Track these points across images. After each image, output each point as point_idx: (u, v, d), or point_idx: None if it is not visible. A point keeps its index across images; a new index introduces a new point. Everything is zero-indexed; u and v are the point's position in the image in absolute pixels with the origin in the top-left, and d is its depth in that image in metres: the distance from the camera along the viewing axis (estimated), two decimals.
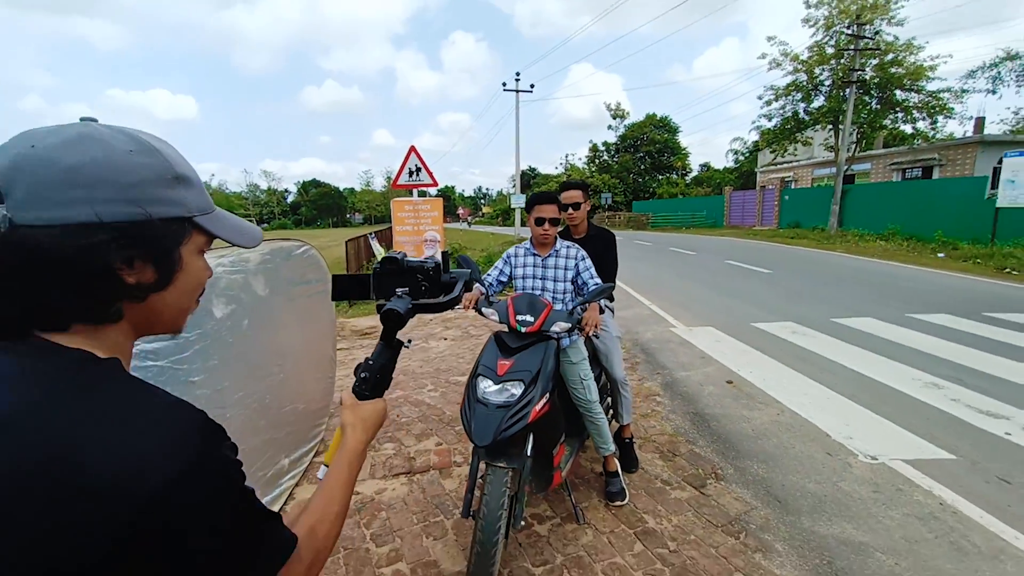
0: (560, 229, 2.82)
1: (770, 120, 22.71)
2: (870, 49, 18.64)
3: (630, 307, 7.67)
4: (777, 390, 4.13)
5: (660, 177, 45.74)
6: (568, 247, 2.63)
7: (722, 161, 47.24)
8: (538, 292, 2.57)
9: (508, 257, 2.72)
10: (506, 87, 25.33)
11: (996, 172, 12.30)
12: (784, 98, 21.70)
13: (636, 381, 4.48)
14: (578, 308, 2.36)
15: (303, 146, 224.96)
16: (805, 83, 20.85)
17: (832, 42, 19.76)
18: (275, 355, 2.79)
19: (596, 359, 2.87)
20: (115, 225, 0.53)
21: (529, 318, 2.23)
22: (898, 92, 19.19)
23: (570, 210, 2.89)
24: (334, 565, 2.24)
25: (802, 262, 12.54)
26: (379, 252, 14.35)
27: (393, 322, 0.94)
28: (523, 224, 27.99)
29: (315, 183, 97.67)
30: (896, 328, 5.83)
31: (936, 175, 19.42)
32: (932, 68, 18.11)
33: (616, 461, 2.74)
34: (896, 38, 18.87)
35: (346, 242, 11.81)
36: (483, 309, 2.34)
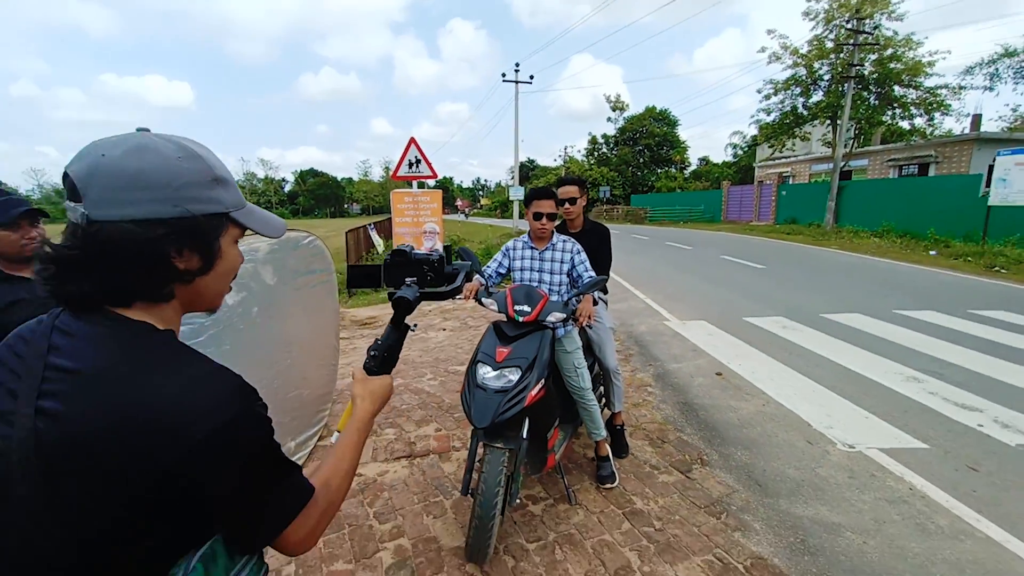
0: (557, 223, 2.94)
1: (769, 114, 22.75)
2: (869, 44, 18.66)
3: (625, 300, 7.81)
4: (764, 382, 4.28)
5: (659, 171, 45.77)
6: (564, 241, 2.76)
7: (721, 155, 47.37)
8: (535, 284, 2.70)
9: (507, 250, 2.84)
10: (505, 78, 25.26)
11: (991, 170, 12.42)
12: (783, 92, 21.74)
13: (629, 372, 4.63)
14: (573, 299, 2.49)
15: (300, 134, 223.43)
16: (804, 77, 20.87)
17: (832, 36, 19.76)
18: (282, 342, 2.91)
19: (590, 349, 3.00)
20: (168, 220, 0.66)
21: (526, 308, 2.36)
22: (896, 88, 19.23)
23: (567, 205, 3.01)
24: (339, 540, 2.38)
25: (796, 258, 12.70)
26: (378, 243, 14.43)
27: (403, 308, 1.07)
28: (521, 216, 28.06)
29: (313, 172, 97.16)
30: (883, 324, 5.99)
31: (932, 172, 19.55)
32: (931, 64, 18.15)
33: (607, 446, 2.89)
34: (895, 33, 18.90)
35: (346, 233, 11.91)
36: (483, 299, 2.47)
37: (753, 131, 26.68)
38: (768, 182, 27.44)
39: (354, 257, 11.86)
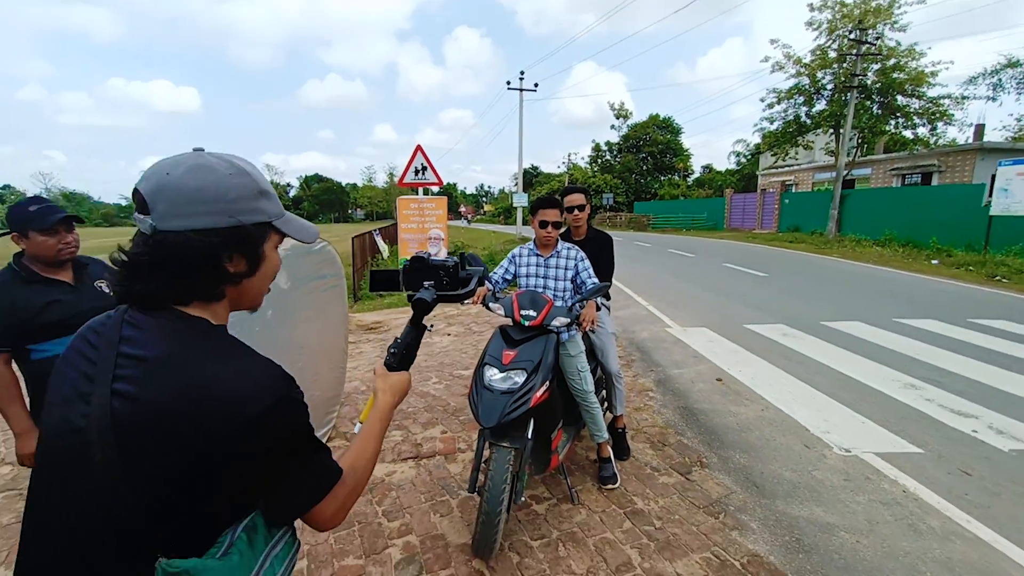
0: (562, 231, 3.04)
1: (772, 123, 22.87)
2: (872, 54, 18.80)
3: (627, 307, 7.90)
4: (764, 388, 4.36)
5: (662, 178, 45.88)
6: (568, 248, 2.86)
7: (724, 163, 47.45)
8: (540, 289, 2.80)
9: (513, 257, 2.94)
10: (510, 86, 25.52)
11: (994, 179, 12.47)
12: (786, 101, 21.87)
13: (631, 377, 4.71)
14: (577, 305, 2.59)
15: (305, 140, 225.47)
16: (807, 86, 21.01)
17: (835, 46, 19.91)
18: (294, 345, 3.02)
19: (593, 353, 3.09)
20: (223, 230, 0.76)
21: (532, 313, 2.46)
22: (899, 97, 19.33)
23: (576, 212, 3.11)
24: (349, 536, 2.47)
25: (798, 266, 12.77)
26: (383, 249, 14.58)
27: (422, 309, 1.18)
28: (524, 223, 28.18)
29: (317, 178, 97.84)
30: (883, 332, 6.05)
31: (935, 181, 19.59)
32: (933, 74, 18.25)
33: (609, 448, 2.97)
34: (898, 43, 19.03)
35: (352, 239, 12.08)
36: (490, 304, 2.57)
37: (756, 139, 26.83)
38: (771, 190, 27.53)
39: (360, 262, 12.04)
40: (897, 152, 21.79)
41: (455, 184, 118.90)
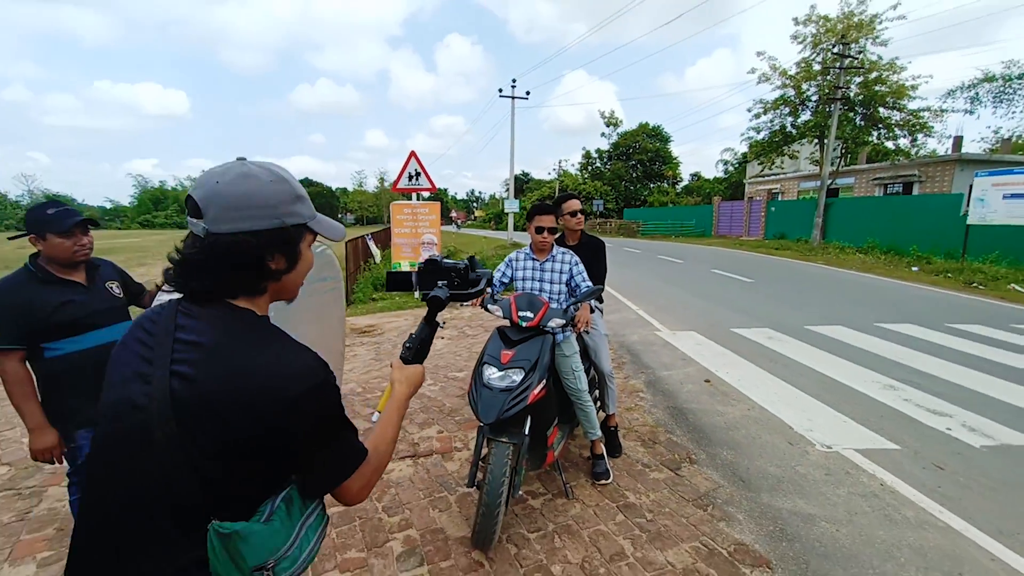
0: (557, 236, 3.16)
1: (759, 132, 23.34)
2: (855, 67, 19.32)
3: (618, 311, 8.03)
4: (750, 389, 4.51)
5: (651, 185, 46.45)
6: (563, 253, 2.97)
7: (712, 171, 48.06)
8: (536, 292, 2.91)
9: (510, 261, 3.05)
10: (502, 93, 25.72)
11: (971, 190, 12.89)
12: (772, 112, 22.34)
13: (622, 379, 4.83)
14: (572, 307, 2.70)
15: (295, 144, 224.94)
16: (793, 98, 21.50)
17: (819, 59, 20.43)
18: None
19: (586, 354, 3.20)
20: (266, 232, 0.86)
21: (529, 314, 2.57)
22: (881, 109, 19.86)
23: (579, 215, 3.22)
24: (351, 531, 2.54)
25: (783, 272, 13.04)
26: (376, 253, 14.61)
27: (435, 306, 1.28)
28: (516, 229, 28.32)
29: (307, 182, 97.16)
30: (865, 336, 6.25)
31: (916, 191, 20.14)
32: (914, 87, 18.77)
33: (602, 445, 3.08)
34: (880, 57, 19.58)
35: (346, 243, 12.12)
36: (489, 306, 2.68)
37: (744, 148, 27.32)
38: (758, 198, 28.02)
39: (354, 266, 12.12)
40: (879, 162, 22.34)
41: (446, 189, 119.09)
